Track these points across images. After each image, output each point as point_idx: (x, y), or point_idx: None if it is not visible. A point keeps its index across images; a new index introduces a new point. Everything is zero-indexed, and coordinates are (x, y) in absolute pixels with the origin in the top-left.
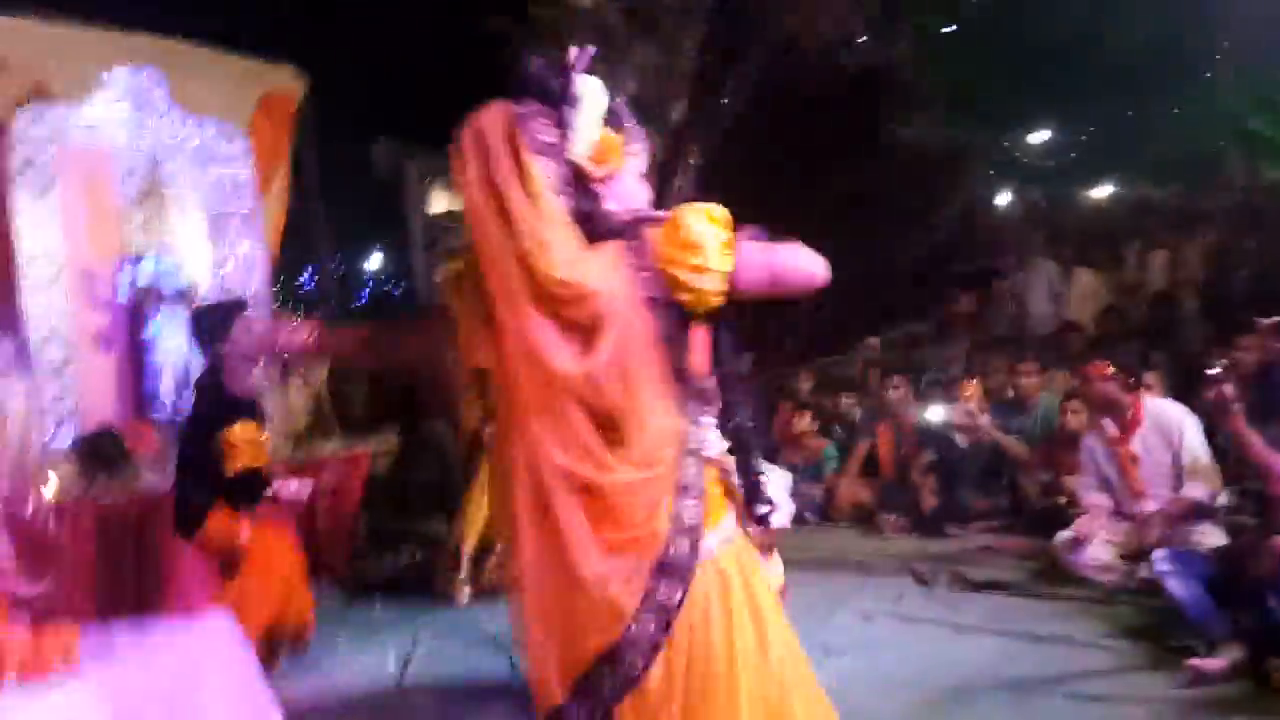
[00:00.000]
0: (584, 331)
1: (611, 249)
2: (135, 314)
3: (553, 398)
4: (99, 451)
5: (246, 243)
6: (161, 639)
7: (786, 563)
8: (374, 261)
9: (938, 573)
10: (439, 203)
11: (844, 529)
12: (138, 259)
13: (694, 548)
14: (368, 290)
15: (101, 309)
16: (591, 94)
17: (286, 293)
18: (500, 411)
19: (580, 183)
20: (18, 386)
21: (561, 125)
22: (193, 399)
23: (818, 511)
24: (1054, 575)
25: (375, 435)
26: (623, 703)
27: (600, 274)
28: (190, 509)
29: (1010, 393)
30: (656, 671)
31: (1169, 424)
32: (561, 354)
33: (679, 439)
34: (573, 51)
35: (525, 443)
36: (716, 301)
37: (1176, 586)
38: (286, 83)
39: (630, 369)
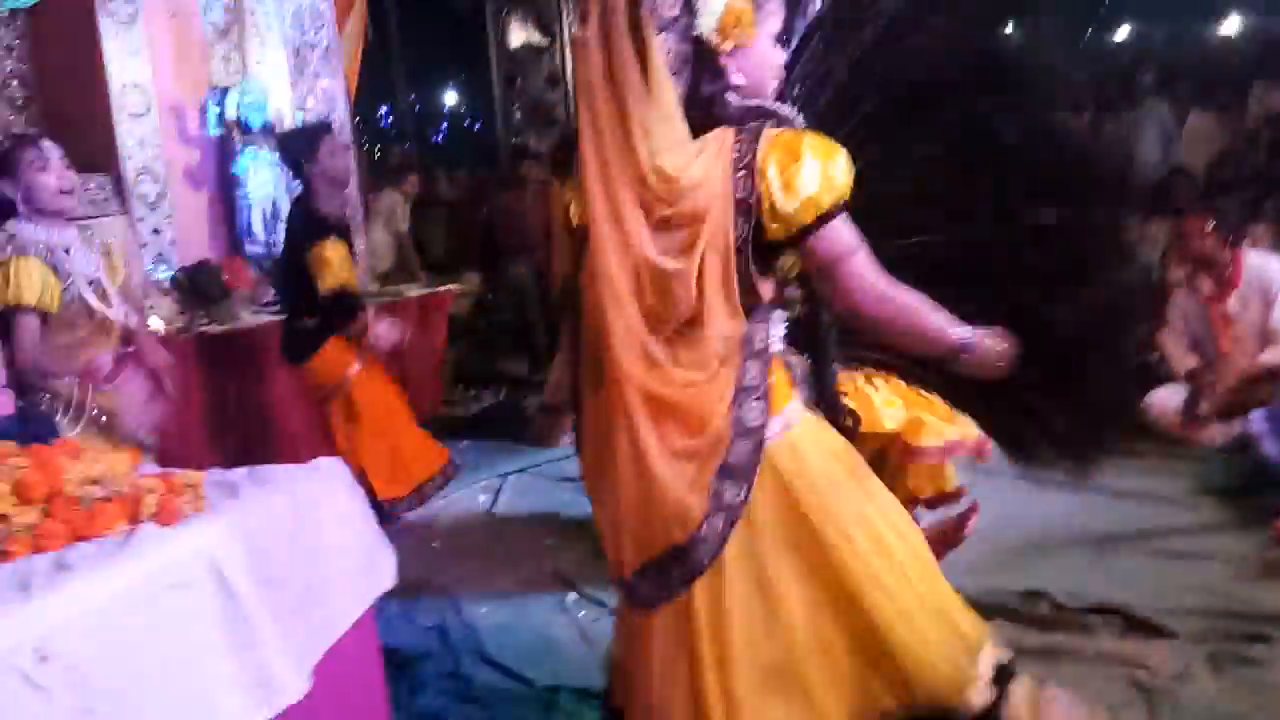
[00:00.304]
0: (674, 229)
1: (719, 139)
2: (223, 149)
3: (626, 290)
4: (198, 286)
5: (326, 77)
6: (280, 481)
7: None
8: (451, 97)
9: None
10: (517, 36)
11: None
12: (223, 93)
13: (757, 448)
14: (445, 126)
15: (190, 143)
16: None
17: (366, 128)
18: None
19: (706, 60)
20: (118, 219)
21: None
22: (287, 224)
23: None
24: (1142, 431)
25: (456, 276)
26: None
27: (700, 169)
28: (303, 336)
29: None
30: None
31: (1269, 282)
32: (649, 247)
33: (742, 341)
34: None
35: (599, 337)
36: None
37: (1271, 446)
38: None
39: (708, 269)
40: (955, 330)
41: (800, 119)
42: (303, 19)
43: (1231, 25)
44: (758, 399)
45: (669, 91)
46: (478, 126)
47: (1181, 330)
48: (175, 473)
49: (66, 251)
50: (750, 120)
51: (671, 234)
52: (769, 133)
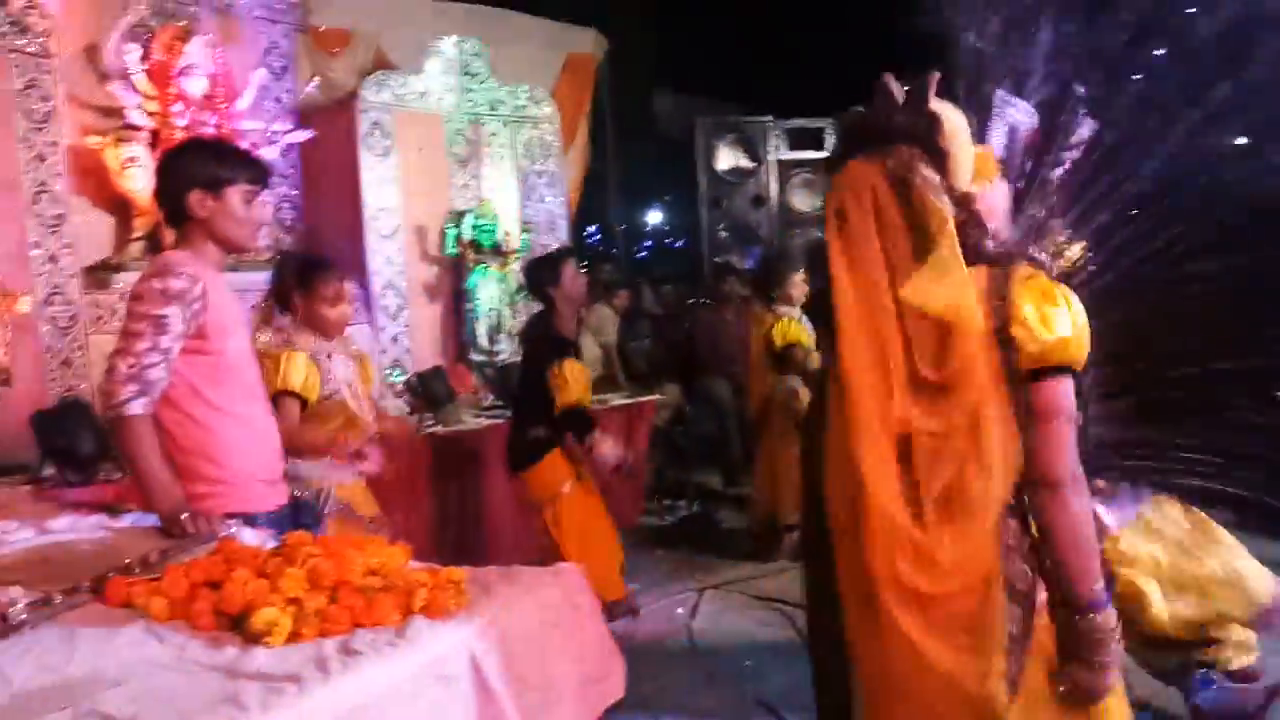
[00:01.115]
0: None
1: (977, 275)
2: (457, 266)
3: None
4: (429, 389)
5: (550, 199)
6: (528, 582)
7: None
8: (656, 216)
9: None
10: (725, 160)
11: None
12: (460, 215)
13: (1029, 613)
14: (649, 243)
15: (430, 261)
16: (955, 119)
17: (577, 245)
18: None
19: (966, 210)
20: (363, 328)
21: (937, 161)
22: (525, 341)
23: None
24: None
25: (657, 388)
26: None
27: (946, 295)
28: (528, 445)
29: None
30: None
31: None
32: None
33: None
34: (932, 79)
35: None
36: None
37: None
38: (588, 45)
39: (976, 402)
40: (1097, 581)
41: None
42: (533, 149)
43: None
44: (1022, 559)
45: (953, 240)
46: (681, 243)
47: None
48: (440, 569)
49: (329, 356)
50: (1002, 259)
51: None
52: (1021, 271)
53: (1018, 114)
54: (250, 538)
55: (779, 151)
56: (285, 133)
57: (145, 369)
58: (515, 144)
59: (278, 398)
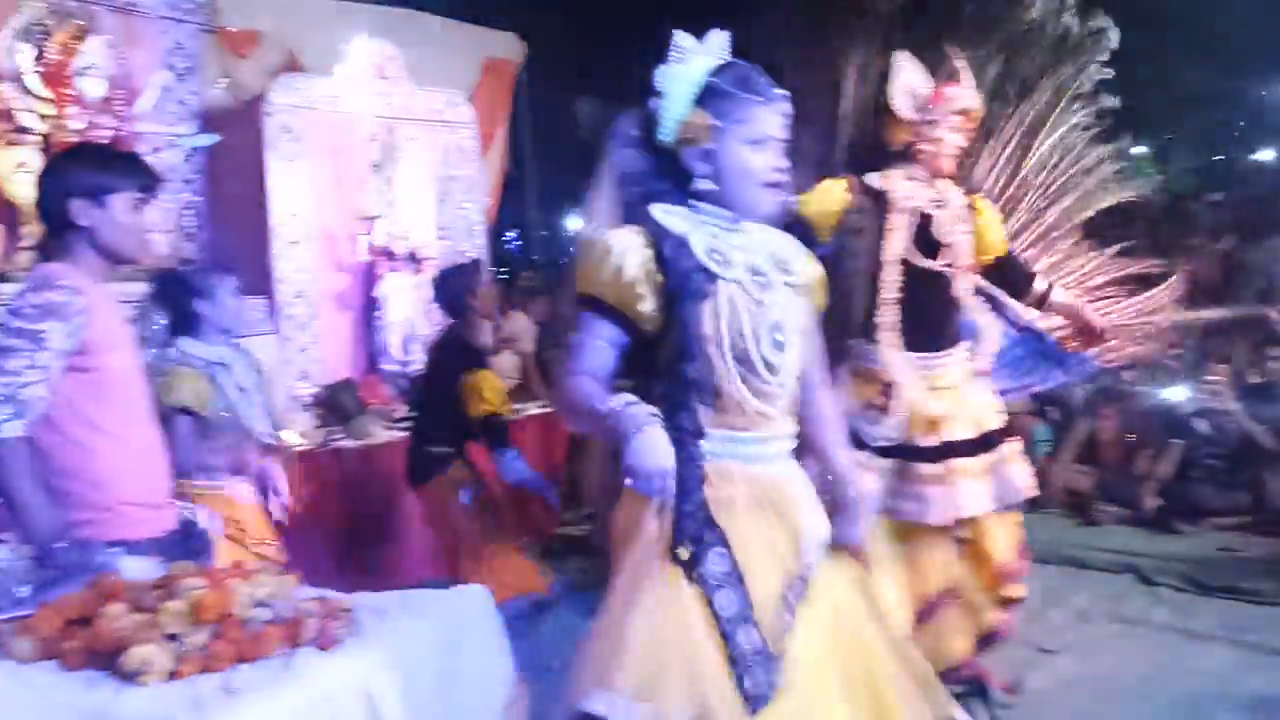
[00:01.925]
0: None
1: None
2: (368, 274)
3: None
4: (338, 403)
5: (468, 205)
6: (427, 607)
7: None
8: (577, 222)
9: (1165, 573)
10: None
11: (1056, 517)
12: (372, 221)
13: None
14: (571, 250)
15: (340, 269)
16: (668, 81)
17: (495, 252)
18: None
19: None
20: (268, 340)
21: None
22: (433, 352)
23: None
24: None
25: None
26: None
27: None
28: (429, 459)
29: (1256, 376)
30: None
31: None
32: None
33: None
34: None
35: None
36: None
37: None
38: (507, 49)
39: None
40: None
41: None
42: (450, 154)
43: None
44: None
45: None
46: None
47: None
48: (331, 596)
49: (224, 366)
50: None
51: None
52: None
53: (914, 76)
54: (133, 567)
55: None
56: (189, 136)
57: (21, 388)
58: (431, 149)
59: (170, 416)
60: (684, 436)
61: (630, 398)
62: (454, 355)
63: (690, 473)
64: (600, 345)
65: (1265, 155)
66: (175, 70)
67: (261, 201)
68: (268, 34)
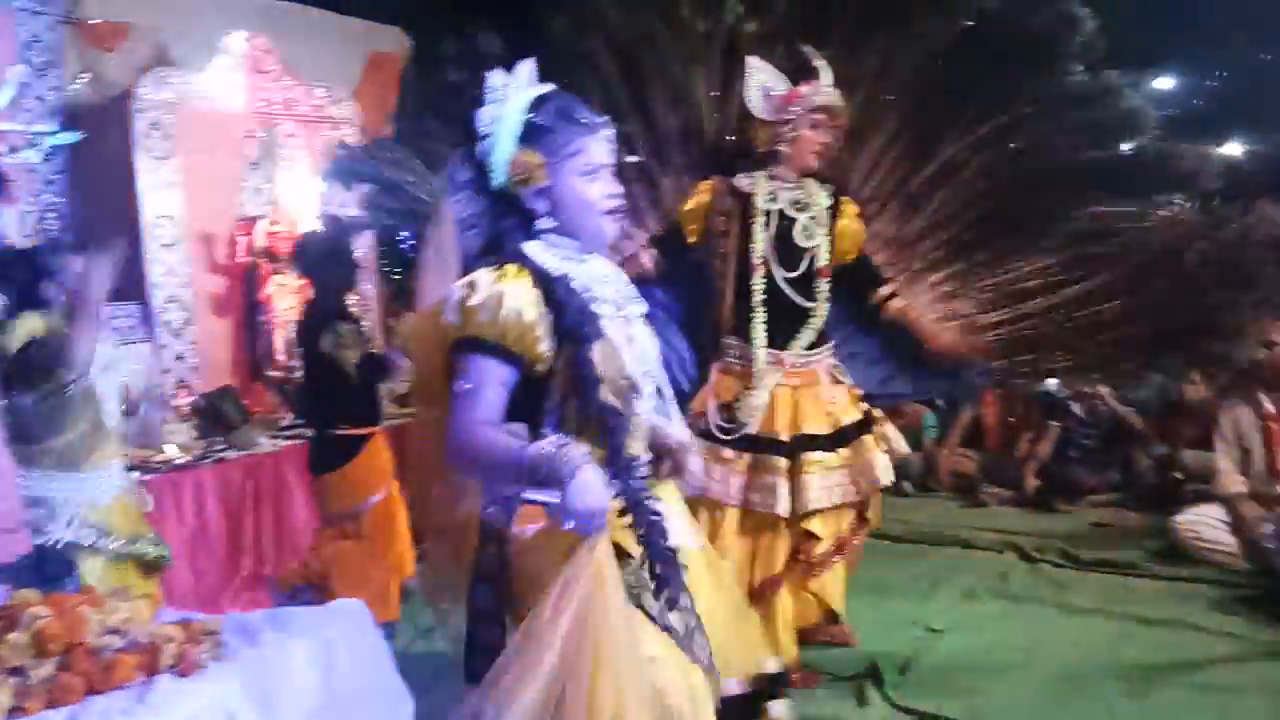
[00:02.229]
0: None
1: None
2: (249, 277)
3: None
4: (218, 412)
5: (354, 205)
6: (300, 625)
7: (884, 536)
8: None
9: (1045, 550)
10: None
11: (944, 500)
12: (252, 222)
13: None
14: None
15: (218, 272)
16: (490, 123)
17: (387, 250)
18: None
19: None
20: (142, 348)
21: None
22: (304, 331)
23: (916, 482)
24: (1171, 556)
25: None
26: None
27: None
28: (336, 443)
29: None
30: None
31: None
32: None
33: None
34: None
35: None
36: None
37: None
38: (392, 44)
39: None
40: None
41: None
42: (333, 151)
43: (1235, 145)
44: None
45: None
46: None
47: (1233, 444)
48: (195, 619)
49: (104, 370)
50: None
51: None
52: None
53: (767, 77)
54: None
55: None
56: (49, 134)
57: None
58: (313, 146)
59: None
60: (622, 475)
61: (562, 439)
62: (319, 322)
63: (640, 503)
64: (500, 390)
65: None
66: (32, 65)
67: (130, 203)
68: (135, 27)
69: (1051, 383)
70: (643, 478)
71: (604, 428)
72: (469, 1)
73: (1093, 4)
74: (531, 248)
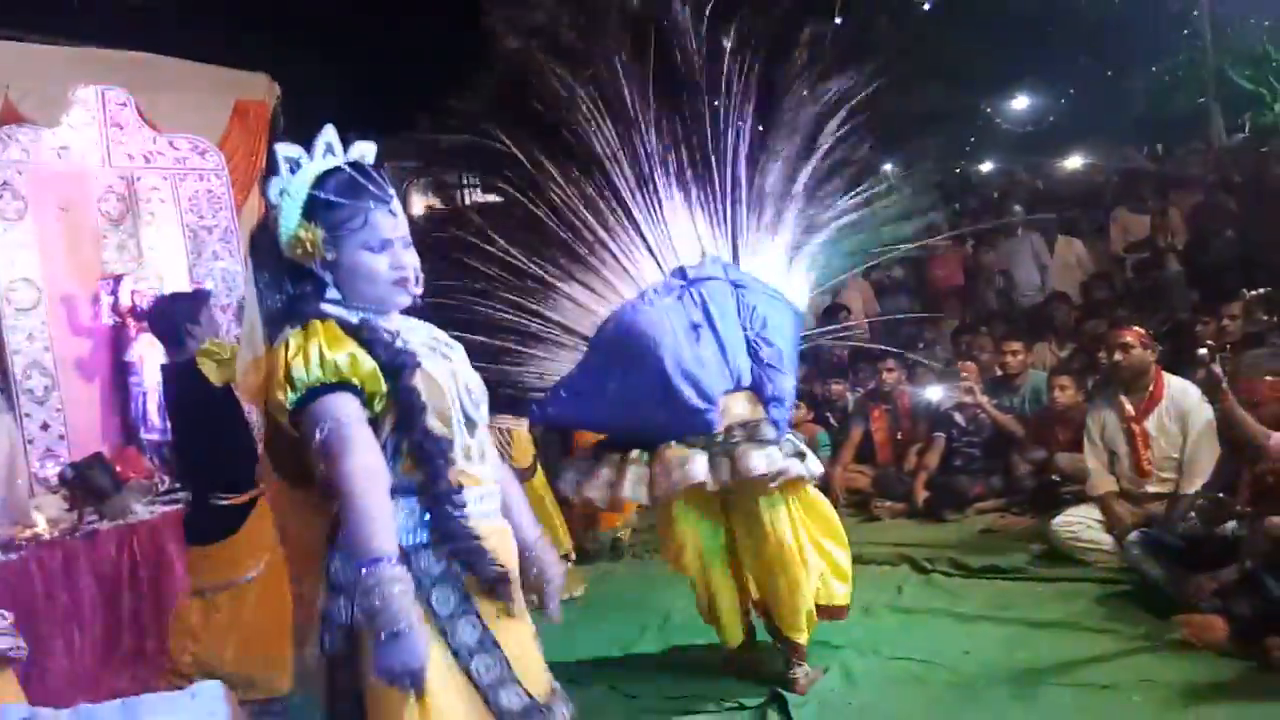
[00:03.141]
0: None
1: None
2: (116, 337)
3: None
4: (89, 482)
5: (226, 256)
6: (155, 714)
7: None
8: None
9: (937, 560)
10: (417, 204)
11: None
12: (117, 280)
13: None
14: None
15: (82, 334)
16: (277, 196)
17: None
18: None
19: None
20: (4, 419)
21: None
22: (172, 395)
23: None
24: (1054, 558)
25: None
26: None
27: None
28: (218, 513)
29: (998, 370)
30: None
31: (1186, 410)
32: None
33: None
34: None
35: None
36: None
37: (1150, 567)
38: (259, 91)
39: None
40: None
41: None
42: (199, 203)
43: (1083, 156)
44: None
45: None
46: None
47: (1099, 445)
48: (39, 714)
49: None
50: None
51: None
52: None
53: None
54: None
55: (477, 194)
56: None
57: None
58: (179, 199)
59: None
60: (440, 502)
61: (400, 571)
62: (189, 389)
63: (455, 534)
64: (368, 429)
65: (988, 167)
66: None
67: None
68: None
69: (934, 394)
70: (463, 506)
71: (426, 455)
72: (336, 47)
73: (956, 28)
74: (329, 306)
